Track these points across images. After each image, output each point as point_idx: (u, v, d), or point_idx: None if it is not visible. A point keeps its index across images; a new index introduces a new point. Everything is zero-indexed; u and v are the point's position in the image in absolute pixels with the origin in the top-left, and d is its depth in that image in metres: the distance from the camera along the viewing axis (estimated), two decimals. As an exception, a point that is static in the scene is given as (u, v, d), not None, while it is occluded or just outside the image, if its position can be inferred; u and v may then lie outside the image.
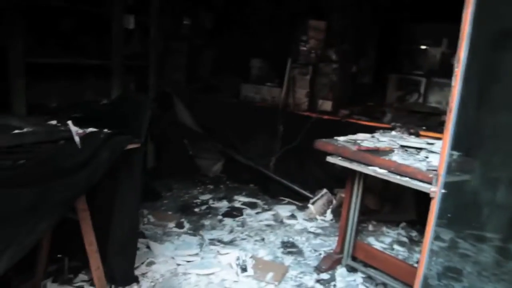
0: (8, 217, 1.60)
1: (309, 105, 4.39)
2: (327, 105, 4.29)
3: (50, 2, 3.37)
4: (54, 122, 2.06)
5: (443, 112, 4.33)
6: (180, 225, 3.61)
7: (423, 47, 4.90)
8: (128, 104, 3.03)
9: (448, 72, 4.74)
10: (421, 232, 3.88)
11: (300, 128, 4.26)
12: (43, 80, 3.75)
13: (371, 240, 3.71)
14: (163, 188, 4.33)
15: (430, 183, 2.32)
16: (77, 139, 1.87)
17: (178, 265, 2.97)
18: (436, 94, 4.64)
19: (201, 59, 5.09)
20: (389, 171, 2.50)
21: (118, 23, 3.84)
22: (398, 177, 2.44)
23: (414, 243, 3.74)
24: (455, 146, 1.77)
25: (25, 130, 1.82)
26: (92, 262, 2.26)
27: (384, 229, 3.94)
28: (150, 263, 2.93)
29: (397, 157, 2.60)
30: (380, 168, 2.55)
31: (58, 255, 2.72)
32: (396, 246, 3.64)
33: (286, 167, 4.48)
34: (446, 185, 1.84)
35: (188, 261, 3.04)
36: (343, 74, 4.40)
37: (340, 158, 2.76)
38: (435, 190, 1.87)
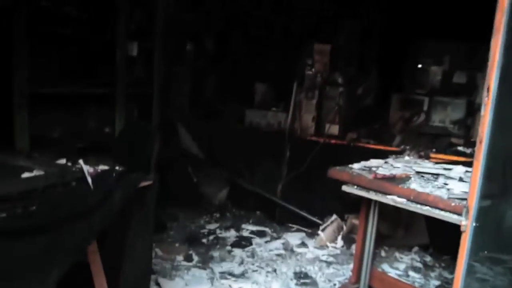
0: (21, 267, 1.50)
1: (316, 130, 4.32)
2: (334, 129, 4.23)
3: (56, 30, 3.31)
4: (63, 161, 1.97)
5: (451, 134, 4.29)
6: (188, 258, 3.50)
7: (424, 66, 4.88)
8: (135, 135, 2.95)
9: (450, 91, 4.71)
10: (435, 256, 3.82)
11: (307, 153, 4.18)
12: (45, 110, 3.67)
13: (385, 267, 3.61)
14: (168, 218, 4.21)
15: (452, 211, 2.27)
16: (89, 180, 1.78)
17: (190, 302, 2.86)
18: (439, 113, 4.60)
19: (205, 84, 5.03)
20: (408, 200, 2.43)
21: (121, 50, 3.77)
22: (419, 206, 2.37)
23: (429, 268, 3.65)
24: (486, 176, 1.69)
25: (35, 172, 1.73)
26: (103, 306, 2.15)
27: (397, 254, 3.85)
28: (161, 302, 2.81)
29: (415, 185, 2.53)
30: (399, 197, 2.47)
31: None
32: (411, 273, 3.55)
33: (293, 193, 4.39)
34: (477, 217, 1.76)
35: (200, 298, 2.93)
36: (349, 97, 4.35)
37: (356, 187, 2.68)
38: (466, 224, 1.78)
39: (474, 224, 1.75)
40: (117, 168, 1.99)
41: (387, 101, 4.74)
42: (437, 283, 3.39)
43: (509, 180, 1.62)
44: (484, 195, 1.72)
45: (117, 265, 2.20)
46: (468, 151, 3.79)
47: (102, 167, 1.97)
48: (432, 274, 3.54)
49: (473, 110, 4.32)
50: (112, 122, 4.09)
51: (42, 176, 1.70)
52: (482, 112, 1.69)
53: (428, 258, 3.79)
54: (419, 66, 4.87)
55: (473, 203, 1.74)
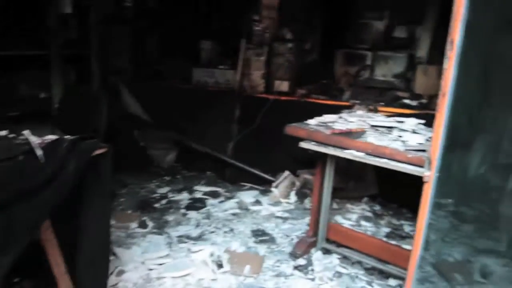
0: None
1: (266, 87, 4.25)
2: (284, 86, 4.18)
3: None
4: (3, 133, 1.76)
5: (395, 87, 4.40)
6: (143, 225, 3.39)
7: (366, 21, 4.90)
8: (78, 100, 2.75)
9: (391, 45, 4.78)
10: (383, 205, 3.99)
11: (258, 110, 4.13)
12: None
13: (338, 218, 3.72)
14: (117, 185, 4.04)
15: (409, 163, 2.34)
16: (39, 152, 1.61)
17: (150, 269, 2.79)
18: (382, 67, 4.68)
19: (147, 43, 4.74)
20: (367, 154, 2.47)
21: (54, 8, 3.43)
22: (377, 159, 2.42)
23: (378, 217, 3.82)
24: (449, 128, 1.73)
25: (-27, 146, 1.53)
26: (61, 285, 2.02)
27: (348, 205, 3.97)
28: (120, 272, 2.71)
29: (371, 138, 2.57)
30: (357, 151, 2.51)
31: (15, 279, 2.43)
32: (363, 222, 3.69)
33: (245, 151, 4.35)
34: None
35: (160, 264, 2.86)
36: (298, 53, 4.29)
37: (313, 143, 2.67)
38: (429, 175, 1.83)
39: (436, 175, 1.80)
40: (67, 137, 1.82)
41: (331, 57, 4.75)
42: (387, 230, 3.55)
43: (472, 132, 1.67)
44: (446, 146, 1.76)
45: (74, 241, 2.07)
46: (414, 103, 3.92)
47: (51, 137, 1.79)
48: (382, 222, 3.70)
49: (413, 64, 4.45)
50: (48, 86, 3.79)
51: (-16, 151, 1.51)
52: (445, 65, 1.70)
53: (377, 207, 3.95)
54: (365, 20, 4.88)
55: (436, 154, 1.78)
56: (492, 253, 2.20)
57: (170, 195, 4.02)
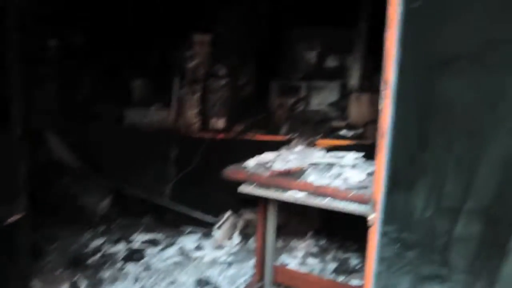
0: None
1: (202, 124, 4.12)
2: (220, 123, 4.07)
3: None
4: None
5: (330, 117, 4.44)
6: (74, 286, 3.08)
7: (298, 51, 4.96)
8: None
9: (324, 75, 4.85)
10: (328, 238, 3.94)
11: (195, 150, 3.98)
12: None
13: (284, 257, 3.62)
14: (45, 241, 3.68)
15: (352, 201, 2.30)
16: None
17: None
18: (316, 97, 4.73)
19: (76, 83, 4.44)
20: (309, 194, 2.41)
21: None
22: (319, 200, 2.37)
23: (324, 251, 3.76)
24: (390, 169, 1.69)
25: None
26: None
27: (294, 242, 3.88)
28: None
29: (312, 177, 2.52)
30: (299, 191, 2.44)
31: None
32: (309, 259, 3.63)
33: (185, 193, 4.16)
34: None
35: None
36: (233, 88, 4.22)
37: (253, 186, 2.57)
38: (373, 217, 1.77)
39: (381, 217, 1.75)
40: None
41: (267, 89, 4.73)
42: (334, 265, 3.49)
43: (414, 174, 1.63)
44: (389, 188, 1.71)
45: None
46: (349, 134, 3.95)
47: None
48: (328, 257, 3.65)
49: (346, 92, 4.53)
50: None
51: None
52: (381, 106, 1.67)
53: (322, 242, 3.89)
54: (297, 51, 4.92)
55: (379, 196, 1.73)
56: (437, 278, 2.16)
57: (105, 247, 3.72)
